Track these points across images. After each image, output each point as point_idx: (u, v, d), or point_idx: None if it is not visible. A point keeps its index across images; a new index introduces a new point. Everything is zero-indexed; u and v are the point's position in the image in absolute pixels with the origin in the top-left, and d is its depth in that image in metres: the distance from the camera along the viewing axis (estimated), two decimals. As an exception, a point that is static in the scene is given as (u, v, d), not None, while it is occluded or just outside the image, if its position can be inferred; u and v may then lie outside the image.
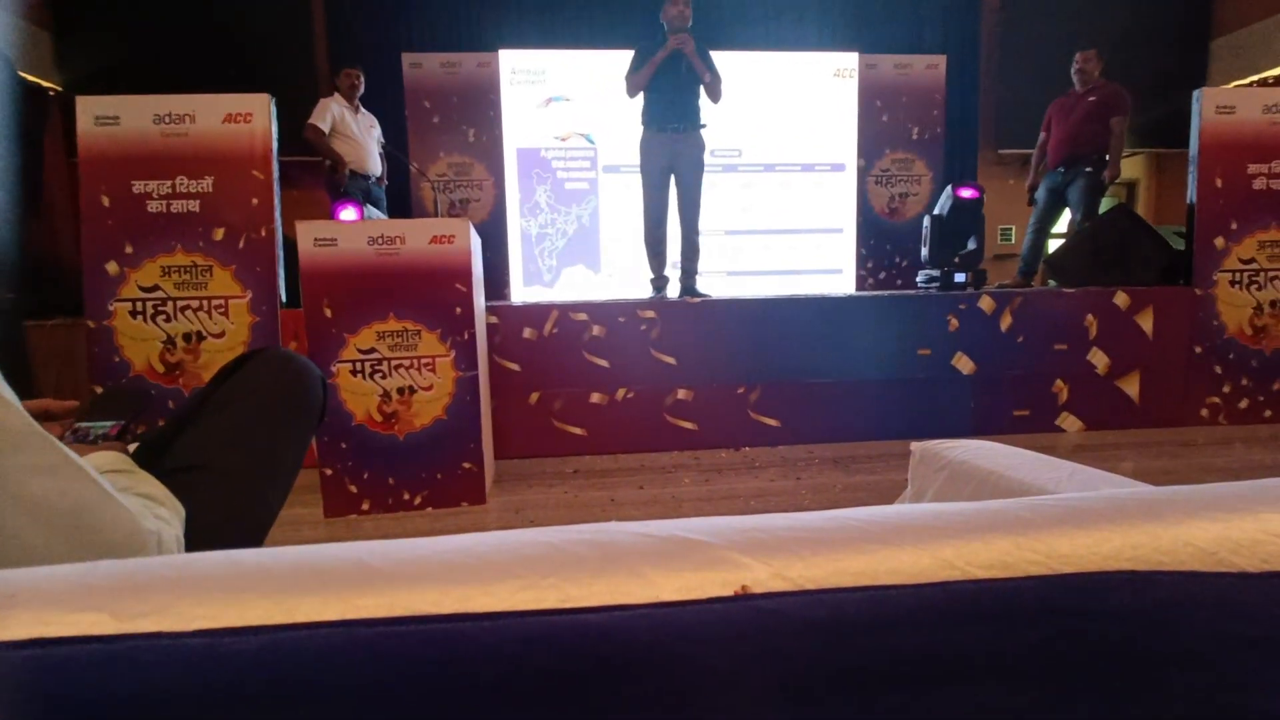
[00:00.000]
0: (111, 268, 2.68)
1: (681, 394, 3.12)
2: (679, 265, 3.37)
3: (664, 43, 3.06)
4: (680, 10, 3.02)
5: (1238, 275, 3.37)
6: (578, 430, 3.08)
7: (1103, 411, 3.32)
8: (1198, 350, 3.35)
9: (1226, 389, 3.37)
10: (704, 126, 3.19)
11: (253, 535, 0.76)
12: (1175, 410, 3.36)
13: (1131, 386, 3.33)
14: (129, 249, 2.68)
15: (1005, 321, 3.25)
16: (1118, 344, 3.30)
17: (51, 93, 4.70)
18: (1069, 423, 3.32)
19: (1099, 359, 3.30)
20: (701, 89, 3.16)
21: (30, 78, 4.40)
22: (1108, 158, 3.65)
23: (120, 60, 4.82)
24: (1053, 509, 0.36)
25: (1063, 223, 6.88)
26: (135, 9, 5.03)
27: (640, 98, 3.20)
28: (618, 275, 4.83)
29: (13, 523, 0.43)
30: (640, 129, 3.22)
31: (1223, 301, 3.36)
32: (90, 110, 2.69)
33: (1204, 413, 3.37)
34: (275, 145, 2.85)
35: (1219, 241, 3.36)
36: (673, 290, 3.39)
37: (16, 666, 0.22)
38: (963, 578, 0.30)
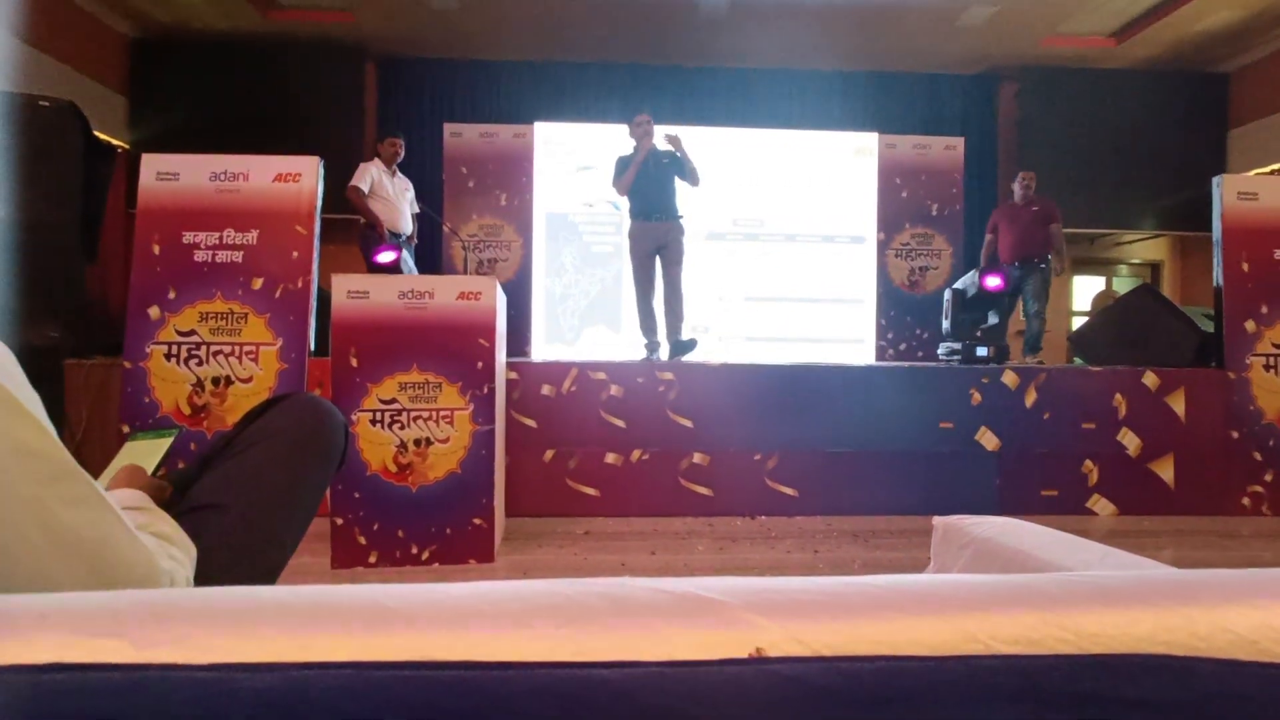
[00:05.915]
0: (154, 312, 2.79)
1: (698, 458, 3.08)
2: (668, 330, 3.70)
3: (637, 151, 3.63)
4: (644, 129, 3.60)
5: (1271, 360, 3.29)
6: (591, 491, 3.04)
7: (1136, 495, 3.19)
8: (1235, 435, 3.24)
9: (1269, 477, 3.22)
10: (682, 217, 3.69)
11: (264, 577, 0.76)
12: (1214, 498, 3.21)
13: (1166, 470, 3.20)
14: (172, 294, 2.80)
15: (1030, 397, 3.19)
16: (1149, 426, 3.20)
17: (120, 150, 5.08)
18: (1101, 505, 3.18)
19: (1130, 440, 3.20)
20: (678, 182, 3.65)
21: (103, 136, 4.77)
22: (1050, 256, 4.26)
23: (185, 124, 5.22)
24: (1081, 586, 0.34)
25: (1083, 299, 6.87)
26: (204, 80, 5.48)
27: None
28: (639, 336, 4.89)
29: (39, 550, 0.44)
30: (628, 221, 3.72)
31: (1258, 386, 3.27)
32: (153, 166, 2.88)
33: (1245, 502, 3.22)
34: (319, 203, 3.00)
35: (1249, 325, 3.31)
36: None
37: (38, 689, 0.23)
38: (986, 652, 0.29)
